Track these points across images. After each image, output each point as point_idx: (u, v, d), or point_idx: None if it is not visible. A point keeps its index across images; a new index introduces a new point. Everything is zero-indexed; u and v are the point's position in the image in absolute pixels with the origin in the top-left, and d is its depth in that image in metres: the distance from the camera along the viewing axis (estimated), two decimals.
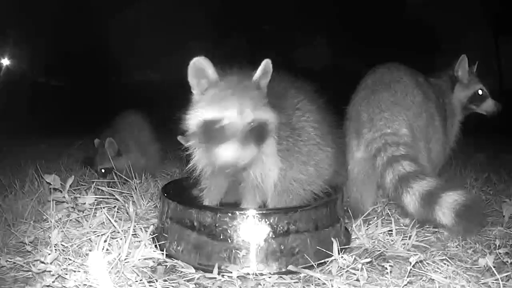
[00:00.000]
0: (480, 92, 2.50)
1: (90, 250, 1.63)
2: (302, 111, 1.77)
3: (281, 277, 1.49)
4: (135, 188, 2.37)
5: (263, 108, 1.55)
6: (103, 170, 2.93)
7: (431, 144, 2.15)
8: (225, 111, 1.47)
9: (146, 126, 3.28)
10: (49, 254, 1.49)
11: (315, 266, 1.53)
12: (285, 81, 1.85)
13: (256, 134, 1.51)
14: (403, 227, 2.00)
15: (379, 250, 1.72)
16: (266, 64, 1.56)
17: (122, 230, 1.72)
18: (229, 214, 1.53)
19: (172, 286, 1.43)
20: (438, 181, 1.83)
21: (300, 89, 1.85)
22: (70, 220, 1.91)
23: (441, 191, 1.75)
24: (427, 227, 2.00)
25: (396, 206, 2.18)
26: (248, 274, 1.49)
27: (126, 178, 2.55)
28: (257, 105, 1.52)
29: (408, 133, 2.03)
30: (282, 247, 1.53)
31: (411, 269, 1.48)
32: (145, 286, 1.39)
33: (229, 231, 1.52)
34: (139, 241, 1.70)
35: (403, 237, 1.82)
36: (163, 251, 1.62)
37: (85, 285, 1.39)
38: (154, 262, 1.59)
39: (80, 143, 4.25)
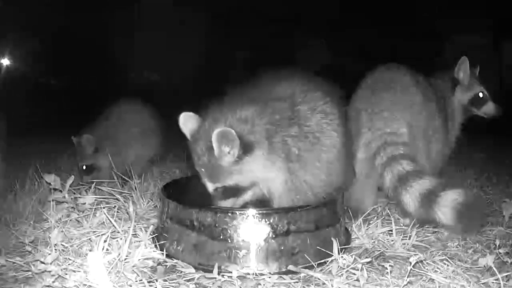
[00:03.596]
0: (480, 94, 2.49)
1: (90, 250, 1.63)
2: (324, 114, 1.74)
3: (281, 277, 1.49)
4: (135, 188, 2.37)
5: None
6: (84, 167, 2.86)
7: (431, 144, 2.15)
8: None
9: (133, 120, 3.05)
10: (49, 254, 1.49)
11: (315, 266, 1.53)
12: (305, 84, 1.81)
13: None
14: (403, 227, 2.00)
15: (379, 250, 1.72)
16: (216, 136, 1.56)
17: (122, 230, 1.72)
18: (229, 214, 1.53)
19: (172, 286, 1.43)
20: (437, 180, 1.83)
21: (326, 92, 1.81)
22: (70, 220, 1.91)
23: (440, 190, 1.75)
24: (427, 227, 2.00)
25: (396, 206, 2.18)
26: (248, 274, 1.49)
27: (126, 178, 2.55)
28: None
29: (407, 133, 2.03)
30: (282, 247, 1.53)
31: (411, 269, 1.48)
32: (145, 286, 1.39)
33: (229, 231, 1.52)
34: (139, 241, 1.70)
35: (403, 237, 1.82)
36: (163, 251, 1.62)
37: (85, 285, 1.39)
38: (154, 262, 1.59)
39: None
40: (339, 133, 1.75)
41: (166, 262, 1.59)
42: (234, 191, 1.66)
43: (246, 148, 1.58)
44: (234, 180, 1.63)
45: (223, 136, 1.54)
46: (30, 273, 1.49)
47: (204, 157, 1.63)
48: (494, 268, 1.45)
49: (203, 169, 1.66)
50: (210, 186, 1.68)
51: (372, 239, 1.83)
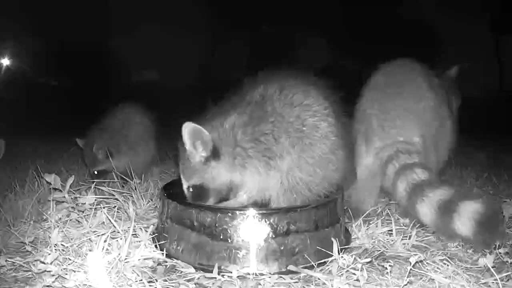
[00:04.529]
0: None
1: (90, 250, 1.63)
2: (306, 106, 1.74)
3: (281, 277, 1.49)
4: (135, 188, 2.37)
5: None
6: (96, 172, 2.86)
7: (440, 145, 2.11)
8: None
9: (137, 123, 3.07)
10: (49, 254, 1.49)
11: (315, 266, 1.53)
12: (293, 80, 1.81)
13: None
14: (403, 227, 2.00)
15: (379, 250, 1.72)
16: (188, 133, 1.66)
17: (122, 230, 1.72)
18: (229, 214, 1.53)
19: (172, 286, 1.43)
20: (454, 189, 1.76)
21: (307, 86, 1.80)
22: (70, 220, 1.91)
23: (459, 200, 1.69)
24: (427, 227, 1.99)
25: (397, 206, 2.18)
26: (248, 274, 1.49)
27: (126, 178, 2.55)
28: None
29: (420, 141, 1.98)
30: (282, 247, 1.53)
31: (411, 269, 1.48)
32: (145, 286, 1.39)
33: (229, 231, 1.52)
34: (139, 241, 1.70)
35: (403, 237, 1.82)
36: (163, 251, 1.62)
37: (85, 285, 1.39)
38: (154, 262, 1.59)
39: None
40: (330, 124, 1.74)
41: (166, 262, 1.59)
42: (203, 195, 1.72)
43: (214, 154, 1.67)
44: (201, 179, 1.71)
45: (195, 131, 1.64)
46: (30, 273, 1.49)
47: (182, 153, 1.73)
48: (492, 270, 1.44)
49: (180, 166, 1.76)
50: (184, 184, 1.76)
51: (372, 239, 1.83)
